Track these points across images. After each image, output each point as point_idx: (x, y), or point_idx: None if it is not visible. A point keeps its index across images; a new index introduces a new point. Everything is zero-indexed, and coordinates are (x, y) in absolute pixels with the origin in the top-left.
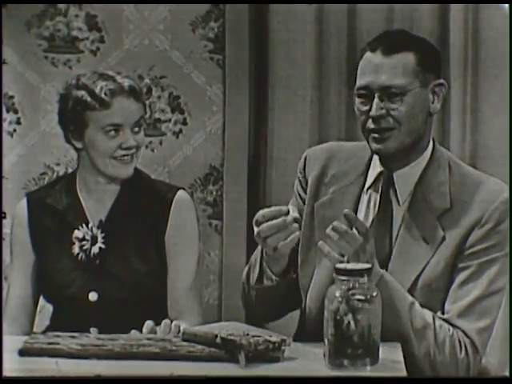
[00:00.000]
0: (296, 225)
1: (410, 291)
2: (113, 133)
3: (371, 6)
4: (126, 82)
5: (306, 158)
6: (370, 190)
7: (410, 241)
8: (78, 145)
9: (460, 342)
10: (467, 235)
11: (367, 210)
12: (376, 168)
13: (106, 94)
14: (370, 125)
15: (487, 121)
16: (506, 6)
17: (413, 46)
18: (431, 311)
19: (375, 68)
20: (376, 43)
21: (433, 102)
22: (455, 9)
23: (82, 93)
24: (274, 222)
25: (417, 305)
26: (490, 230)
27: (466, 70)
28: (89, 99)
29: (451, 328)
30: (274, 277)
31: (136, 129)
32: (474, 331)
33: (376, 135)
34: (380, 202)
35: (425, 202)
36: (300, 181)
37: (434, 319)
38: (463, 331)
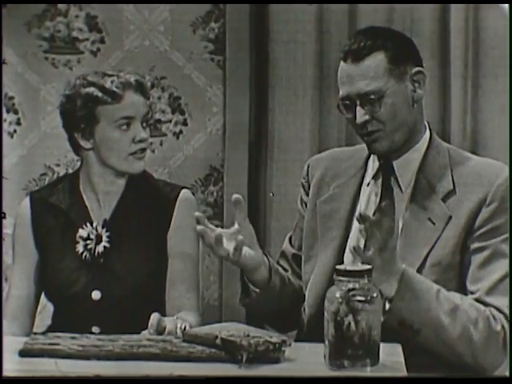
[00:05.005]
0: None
1: (420, 270)
2: (125, 127)
3: (371, 6)
4: (132, 77)
5: (308, 166)
6: (371, 182)
7: (416, 223)
8: (87, 145)
9: (494, 317)
10: (474, 215)
11: (368, 200)
12: (375, 162)
13: (117, 87)
14: (359, 130)
15: (487, 121)
16: (506, 5)
17: (381, 44)
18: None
19: (349, 78)
20: (346, 51)
21: (415, 91)
22: (455, 9)
23: (91, 89)
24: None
25: (443, 291)
26: (497, 207)
27: (467, 71)
28: (100, 94)
29: (482, 306)
30: (255, 289)
31: (144, 123)
32: (506, 306)
33: (367, 138)
34: (382, 192)
35: (428, 186)
36: (303, 186)
37: (462, 300)
38: (496, 307)
